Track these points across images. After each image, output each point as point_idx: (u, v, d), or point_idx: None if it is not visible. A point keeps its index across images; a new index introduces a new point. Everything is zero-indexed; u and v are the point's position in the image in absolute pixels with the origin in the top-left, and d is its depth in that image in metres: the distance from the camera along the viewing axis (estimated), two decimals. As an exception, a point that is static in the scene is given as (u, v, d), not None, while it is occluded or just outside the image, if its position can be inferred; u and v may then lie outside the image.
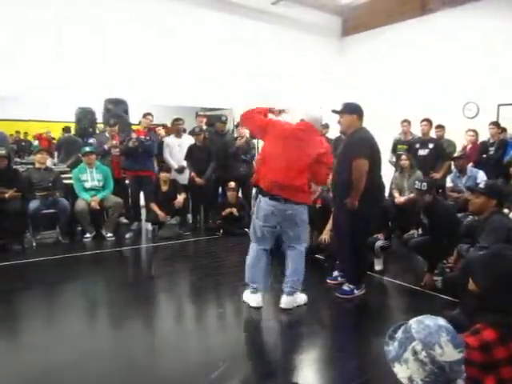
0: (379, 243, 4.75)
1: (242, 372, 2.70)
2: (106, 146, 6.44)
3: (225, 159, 6.82)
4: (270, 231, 3.51)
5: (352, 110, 3.70)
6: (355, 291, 3.85)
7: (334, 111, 3.71)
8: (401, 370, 1.23)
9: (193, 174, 6.73)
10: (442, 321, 1.27)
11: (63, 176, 6.20)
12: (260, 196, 3.53)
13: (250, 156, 6.93)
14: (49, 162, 6.51)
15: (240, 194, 6.88)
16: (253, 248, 3.62)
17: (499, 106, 8.33)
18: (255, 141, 7.52)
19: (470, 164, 6.40)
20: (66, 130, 8.25)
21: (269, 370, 2.76)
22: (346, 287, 3.88)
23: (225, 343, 3.11)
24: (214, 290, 4.22)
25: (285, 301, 3.55)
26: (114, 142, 6.49)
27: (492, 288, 1.66)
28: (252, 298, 3.58)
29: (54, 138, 9.29)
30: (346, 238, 3.78)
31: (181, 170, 6.84)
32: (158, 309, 3.86)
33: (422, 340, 1.21)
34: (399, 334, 1.27)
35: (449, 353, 1.19)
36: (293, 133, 3.42)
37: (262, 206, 3.47)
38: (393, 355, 1.26)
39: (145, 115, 6.68)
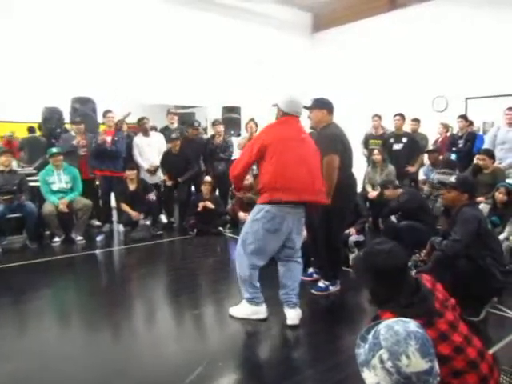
0: (353, 238, 4.77)
1: (218, 374, 2.64)
2: (74, 142, 6.23)
3: (203, 159, 6.86)
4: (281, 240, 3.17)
5: (322, 105, 3.67)
6: (330, 287, 3.84)
7: (304, 107, 3.66)
8: (369, 376, 1.20)
9: (165, 177, 6.69)
10: (413, 326, 1.23)
11: (30, 178, 5.98)
12: (268, 206, 3.07)
13: (228, 154, 6.85)
14: (14, 165, 6.27)
15: (217, 193, 6.81)
16: (249, 263, 3.18)
17: (467, 99, 8.51)
18: (233, 138, 7.45)
19: (441, 157, 6.50)
20: (31, 130, 7.94)
21: (244, 370, 2.73)
22: (321, 284, 3.87)
23: (201, 345, 3.05)
24: (189, 291, 4.13)
25: (295, 315, 3.22)
26: (82, 140, 6.29)
27: (371, 283, 1.77)
28: (259, 310, 3.29)
29: (11, 139, 8.87)
30: (320, 236, 3.75)
31: (154, 171, 6.73)
32: (132, 313, 3.76)
33: (388, 349, 1.17)
34: (370, 337, 1.23)
35: (416, 363, 1.15)
36: (295, 136, 3.13)
37: (275, 213, 3.05)
38: (362, 359, 1.23)
39: (105, 113, 6.50)
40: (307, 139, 3.23)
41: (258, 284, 3.26)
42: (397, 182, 5.44)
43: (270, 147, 3.00)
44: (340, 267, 4.01)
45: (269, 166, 3.01)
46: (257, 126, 6.64)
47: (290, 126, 3.17)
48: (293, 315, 3.21)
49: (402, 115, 6.78)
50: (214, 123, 7.11)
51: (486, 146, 6.04)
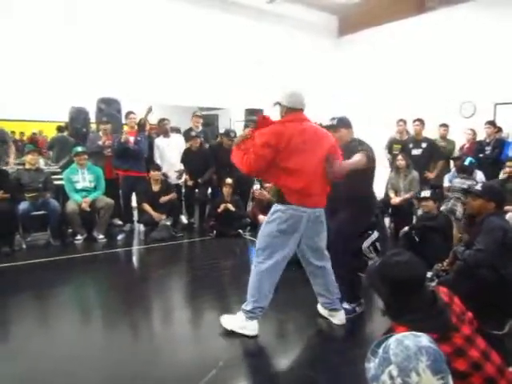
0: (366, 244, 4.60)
1: (232, 377, 2.64)
2: (100, 142, 6.33)
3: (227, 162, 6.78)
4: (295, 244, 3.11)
5: (348, 124, 3.56)
6: (357, 309, 3.60)
7: (330, 126, 3.54)
8: None
9: (186, 176, 6.71)
10: (424, 340, 1.18)
11: (55, 177, 6.11)
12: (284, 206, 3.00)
13: None
14: (41, 163, 6.42)
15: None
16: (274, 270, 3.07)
17: (496, 105, 8.28)
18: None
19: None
20: (60, 129, 8.14)
21: (259, 374, 2.72)
22: (346, 306, 3.57)
23: (216, 348, 3.03)
24: (207, 292, 4.13)
25: (341, 316, 3.33)
26: (108, 141, 6.39)
27: (386, 295, 1.71)
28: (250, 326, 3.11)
29: (36, 137, 9.08)
30: (340, 256, 3.47)
31: (180, 176, 6.80)
32: (149, 312, 3.79)
33: (398, 365, 1.13)
34: (380, 352, 1.19)
35: (426, 380, 1.11)
36: (306, 132, 2.98)
37: (291, 213, 2.98)
38: (372, 374, 1.19)
39: (127, 115, 6.58)
40: (319, 132, 3.09)
41: (269, 294, 3.09)
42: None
43: (283, 150, 2.88)
44: (359, 287, 3.69)
45: (282, 170, 2.93)
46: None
47: (299, 122, 3.00)
48: (340, 317, 3.31)
49: (421, 120, 6.65)
50: (247, 126, 7.07)
51: None
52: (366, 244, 4.44)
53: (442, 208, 5.29)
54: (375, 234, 4.54)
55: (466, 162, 5.73)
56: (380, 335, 1.44)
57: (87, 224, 5.96)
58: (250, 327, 3.08)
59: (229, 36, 9.34)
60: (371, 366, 1.20)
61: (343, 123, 3.56)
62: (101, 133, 6.54)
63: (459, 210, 5.23)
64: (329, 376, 2.65)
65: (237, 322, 3.13)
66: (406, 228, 4.70)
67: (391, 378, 1.12)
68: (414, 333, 1.22)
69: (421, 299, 1.62)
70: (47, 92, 7.38)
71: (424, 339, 1.19)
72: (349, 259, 3.55)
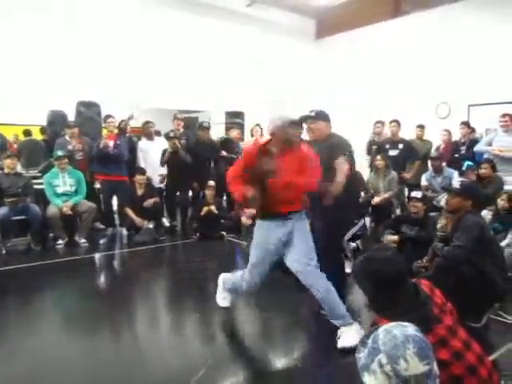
0: (351, 245, 4.72)
1: (220, 377, 2.67)
2: (69, 147, 6.21)
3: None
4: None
5: (326, 117, 3.63)
6: None
7: (308, 117, 3.61)
8: (369, 381, 1.21)
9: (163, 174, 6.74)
10: (411, 329, 1.25)
11: (35, 181, 6.03)
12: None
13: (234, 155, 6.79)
14: (19, 168, 6.31)
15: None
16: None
17: (469, 106, 8.54)
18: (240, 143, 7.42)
19: (444, 164, 6.51)
20: (27, 133, 7.86)
21: (247, 372, 2.76)
22: None
23: (203, 348, 3.07)
24: (191, 295, 4.16)
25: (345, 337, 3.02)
26: (78, 145, 6.29)
27: (370, 290, 1.74)
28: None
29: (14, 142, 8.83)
30: (329, 254, 3.49)
31: (162, 180, 6.79)
32: (134, 316, 3.79)
33: (387, 353, 1.19)
34: (369, 342, 1.25)
35: (414, 366, 1.17)
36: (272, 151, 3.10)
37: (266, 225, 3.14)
38: (362, 363, 1.24)
39: (106, 118, 6.52)
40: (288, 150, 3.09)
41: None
42: None
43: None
44: (345, 285, 3.73)
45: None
46: (262, 130, 6.67)
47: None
48: (344, 337, 2.94)
49: (397, 121, 6.79)
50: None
51: (478, 146, 6.16)
52: (346, 237, 4.51)
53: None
54: (360, 223, 4.62)
55: (464, 168, 5.86)
56: (367, 328, 1.51)
57: (69, 228, 5.90)
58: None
59: (208, 39, 9.37)
60: (361, 356, 1.26)
61: (322, 116, 3.61)
62: (67, 137, 6.35)
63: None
64: (315, 371, 2.72)
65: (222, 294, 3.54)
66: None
67: (381, 365, 1.19)
68: (401, 323, 1.29)
69: (404, 293, 1.67)
70: (23, 95, 7.26)
71: (410, 329, 1.25)
72: (334, 256, 3.62)
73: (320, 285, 3.02)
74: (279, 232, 3.04)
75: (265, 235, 3.09)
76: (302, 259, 3.04)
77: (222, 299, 3.59)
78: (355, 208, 3.92)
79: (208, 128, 6.86)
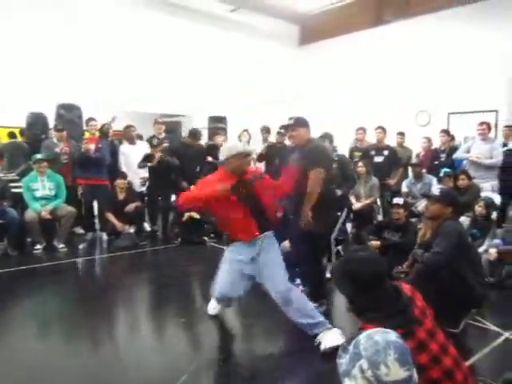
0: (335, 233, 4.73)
1: (207, 379, 2.68)
2: (57, 150, 6.16)
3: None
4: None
5: (306, 123, 3.72)
6: (319, 309, 3.56)
7: (288, 125, 3.70)
8: None
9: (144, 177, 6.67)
10: (392, 336, 1.26)
11: (12, 185, 5.91)
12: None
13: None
14: (-1, 171, 6.20)
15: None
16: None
17: (449, 114, 8.70)
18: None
19: (424, 170, 6.61)
20: (12, 135, 7.74)
21: (230, 377, 2.74)
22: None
23: (186, 353, 3.04)
24: (173, 300, 4.12)
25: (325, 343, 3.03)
26: (66, 148, 6.22)
27: (349, 291, 1.74)
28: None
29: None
30: (307, 255, 3.63)
31: (143, 183, 6.72)
32: (115, 322, 3.74)
33: (368, 358, 1.20)
34: (350, 348, 1.25)
35: (394, 372, 1.18)
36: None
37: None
38: (343, 369, 1.24)
39: (88, 121, 6.46)
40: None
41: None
42: None
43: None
44: (325, 285, 3.86)
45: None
46: (250, 136, 6.69)
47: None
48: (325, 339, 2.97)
49: (383, 128, 6.87)
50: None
51: (457, 154, 6.33)
52: (333, 235, 4.54)
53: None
54: (344, 214, 4.67)
55: (441, 174, 5.97)
56: (349, 335, 1.51)
57: (47, 233, 5.79)
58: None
59: (191, 44, 9.36)
60: (342, 361, 1.26)
61: (300, 123, 3.71)
62: (55, 139, 6.33)
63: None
64: (297, 375, 2.71)
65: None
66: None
67: (362, 371, 1.19)
68: (382, 329, 1.30)
69: (384, 294, 1.66)
70: (4, 97, 7.13)
71: (392, 335, 1.26)
72: (314, 258, 3.66)
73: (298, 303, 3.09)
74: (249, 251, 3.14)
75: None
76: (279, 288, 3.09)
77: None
78: (335, 206, 4.02)
79: (200, 138, 6.93)
